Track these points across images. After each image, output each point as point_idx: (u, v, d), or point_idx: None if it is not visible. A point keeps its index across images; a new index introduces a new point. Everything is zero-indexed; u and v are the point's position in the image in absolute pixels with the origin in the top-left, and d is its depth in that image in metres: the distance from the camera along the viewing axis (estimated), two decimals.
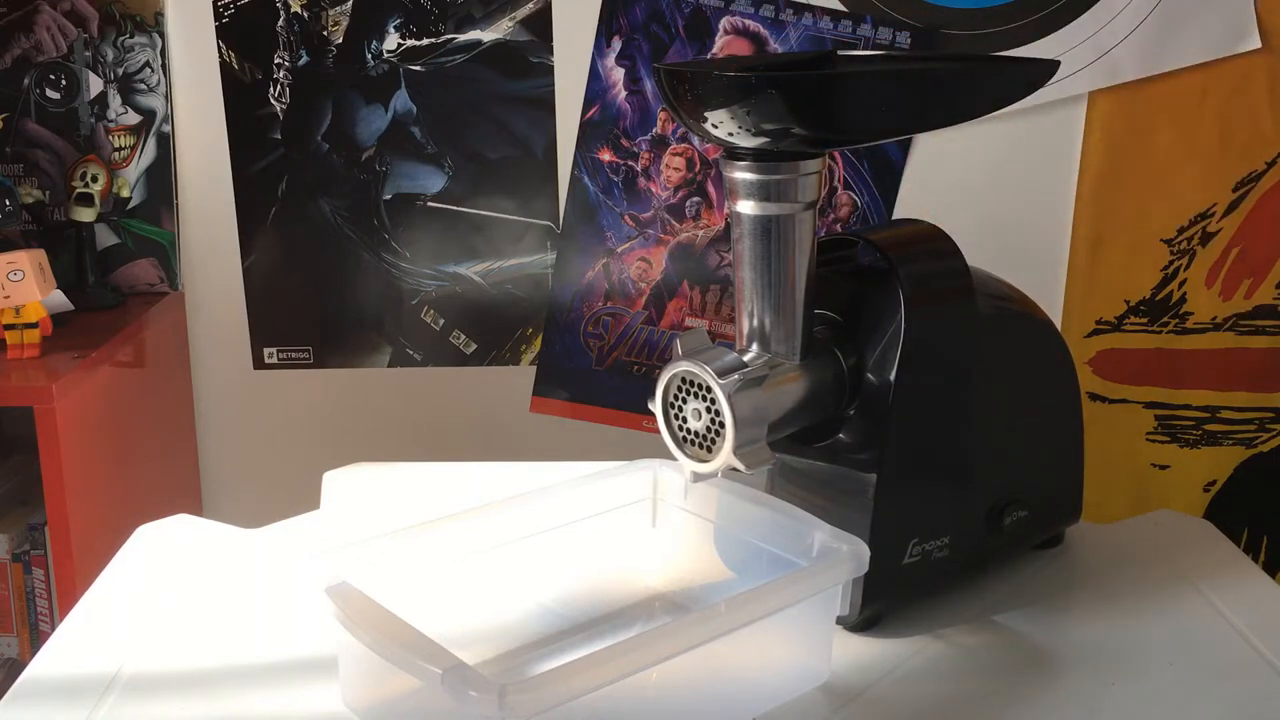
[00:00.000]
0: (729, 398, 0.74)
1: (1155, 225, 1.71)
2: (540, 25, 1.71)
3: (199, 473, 1.89)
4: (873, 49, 1.66)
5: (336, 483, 1.01)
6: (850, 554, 0.72)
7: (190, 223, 1.80)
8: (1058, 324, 1.25)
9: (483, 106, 1.74)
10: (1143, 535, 0.95)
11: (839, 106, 0.74)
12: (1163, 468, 1.80)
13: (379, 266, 1.80)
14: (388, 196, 1.78)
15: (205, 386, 1.87)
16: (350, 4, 1.72)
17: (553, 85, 1.73)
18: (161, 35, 1.74)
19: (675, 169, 1.73)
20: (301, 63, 1.74)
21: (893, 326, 0.79)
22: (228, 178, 1.78)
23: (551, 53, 1.72)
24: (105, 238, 1.79)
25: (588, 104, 1.72)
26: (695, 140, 1.71)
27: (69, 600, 1.42)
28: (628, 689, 0.63)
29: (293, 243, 1.80)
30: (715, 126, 0.74)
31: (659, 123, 1.72)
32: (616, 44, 1.70)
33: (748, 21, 1.67)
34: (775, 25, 1.67)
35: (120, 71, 1.75)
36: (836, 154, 1.69)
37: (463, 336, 1.83)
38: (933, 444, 0.82)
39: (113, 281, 1.79)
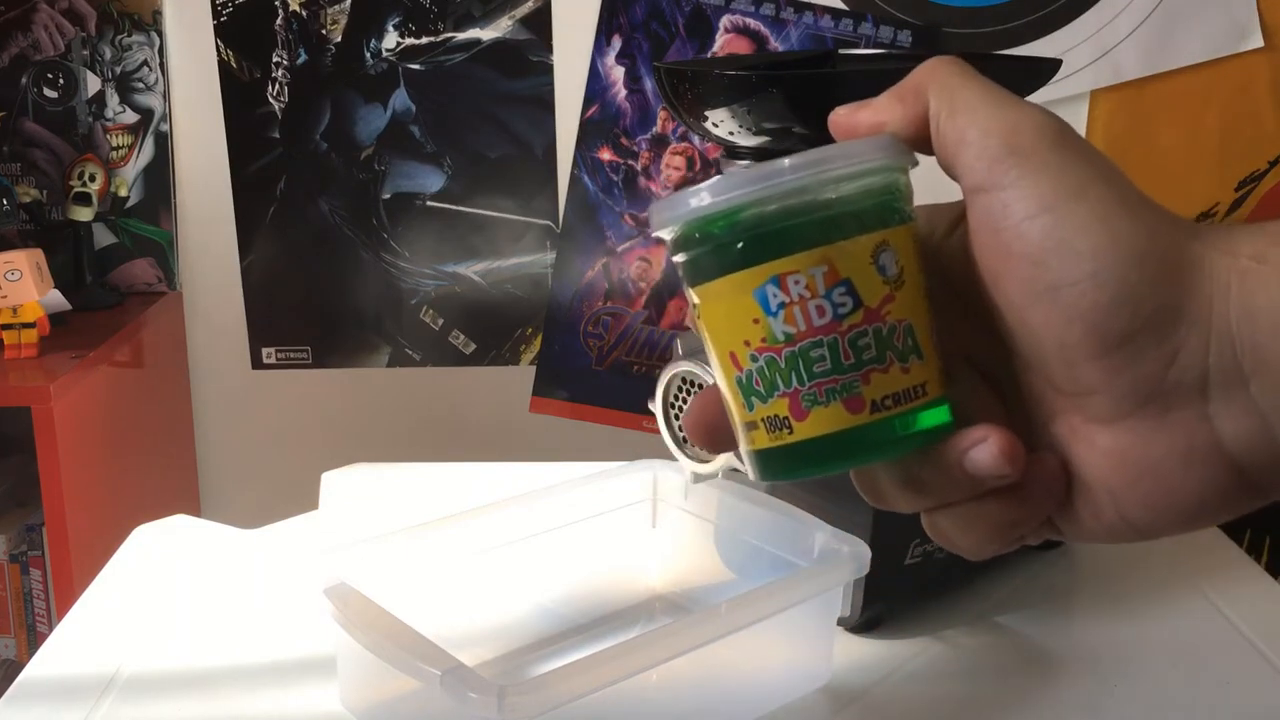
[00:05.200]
0: None
1: None
2: (540, 24, 1.71)
3: (197, 473, 1.89)
4: (874, 47, 1.66)
5: (335, 483, 1.01)
6: (851, 555, 0.72)
7: (188, 222, 1.80)
8: None
9: (482, 105, 1.74)
10: None
11: (840, 105, 0.74)
12: None
13: (378, 266, 1.80)
14: (387, 196, 1.78)
15: (203, 386, 1.87)
16: (349, 2, 1.71)
17: (552, 84, 1.73)
18: (159, 34, 1.73)
19: (675, 168, 1.73)
20: (300, 61, 1.73)
21: None
22: (226, 177, 1.78)
23: (551, 51, 1.71)
24: (103, 237, 1.79)
25: (587, 103, 1.72)
26: (695, 139, 1.71)
27: (66, 601, 1.42)
28: (628, 691, 0.63)
29: (291, 242, 1.80)
30: (715, 125, 0.73)
31: (659, 122, 1.72)
32: (616, 42, 1.70)
33: (748, 20, 1.67)
34: (776, 24, 1.67)
35: (118, 70, 1.74)
36: None
37: (462, 336, 1.82)
38: None
39: (110, 281, 1.79)
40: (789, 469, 0.37)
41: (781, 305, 0.35)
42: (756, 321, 0.35)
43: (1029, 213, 0.34)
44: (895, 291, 0.35)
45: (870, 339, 0.35)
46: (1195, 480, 0.34)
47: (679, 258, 0.37)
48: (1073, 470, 0.36)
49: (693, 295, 0.37)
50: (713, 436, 0.39)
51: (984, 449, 0.35)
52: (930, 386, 0.36)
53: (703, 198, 0.35)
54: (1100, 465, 0.36)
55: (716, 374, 0.37)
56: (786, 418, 0.35)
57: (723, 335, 0.36)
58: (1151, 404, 0.34)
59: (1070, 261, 0.34)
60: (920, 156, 0.39)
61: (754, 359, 0.36)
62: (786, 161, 0.35)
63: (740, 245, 0.35)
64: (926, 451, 0.36)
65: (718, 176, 0.36)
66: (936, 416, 0.36)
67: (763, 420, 0.36)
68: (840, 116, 0.39)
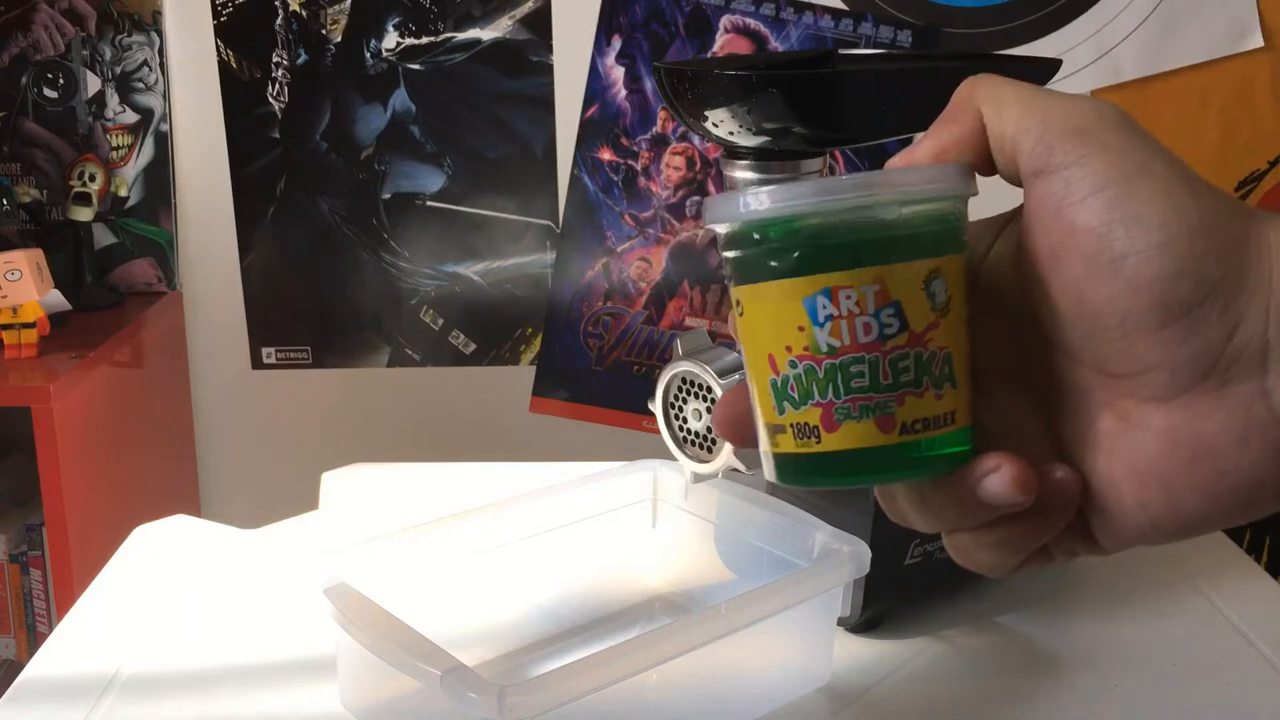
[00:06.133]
0: None
1: None
2: (540, 24, 1.71)
3: (197, 473, 1.89)
4: (873, 48, 1.65)
5: (335, 483, 1.01)
6: (851, 555, 0.72)
7: (188, 222, 1.80)
8: None
9: (482, 105, 1.74)
10: None
11: (840, 105, 0.74)
12: None
13: (378, 266, 1.80)
14: (387, 196, 1.78)
15: (203, 386, 1.87)
16: (349, 2, 1.71)
17: (552, 84, 1.72)
18: (159, 34, 1.73)
19: (675, 168, 1.73)
20: (300, 61, 1.73)
21: None
22: (226, 177, 1.78)
23: (551, 51, 1.71)
24: (103, 237, 1.79)
25: (587, 103, 1.72)
26: (695, 139, 1.71)
27: (66, 601, 1.42)
28: (628, 691, 0.63)
29: (291, 242, 1.80)
30: (715, 125, 0.73)
31: (659, 121, 1.72)
32: (616, 42, 1.70)
33: (748, 20, 1.67)
34: (776, 24, 1.67)
35: (118, 70, 1.74)
36: (837, 153, 1.69)
37: (462, 336, 1.82)
38: None
39: (110, 281, 1.79)
40: (809, 477, 0.37)
41: (829, 317, 0.35)
42: (801, 329, 0.36)
43: (1095, 187, 0.35)
44: (940, 319, 0.36)
45: (911, 362, 0.35)
46: (1251, 459, 0.35)
47: (729, 254, 0.37)
48: (1122, 464, 0.37)
49: (736, 293, 0.38)
50: (739, 431, 0.39)
51: (996, 478, 0.36)
52: (959, 415, 0.37)
53: (765, 201, 0.36)
54: (1154, 450, 0.36)
55: (749, 373, 0.38)
56: (817, 427, 0.36)
57: (764, 337, 0.37)
58: (1211, 377, 0.35)
59: (1136, 232, 0.34)
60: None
61: (793, 365, 0.36)
62: (851, 178, 0.36)
63: (798, 254, 0.36)
64: (942, 478, 0.37)
65: (781, 183, 0.36)
66: (958, 445, 0.37)
67: (791, 425, 0.37)
68: (897, 161, 0.40)
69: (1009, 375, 0.39)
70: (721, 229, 0.37)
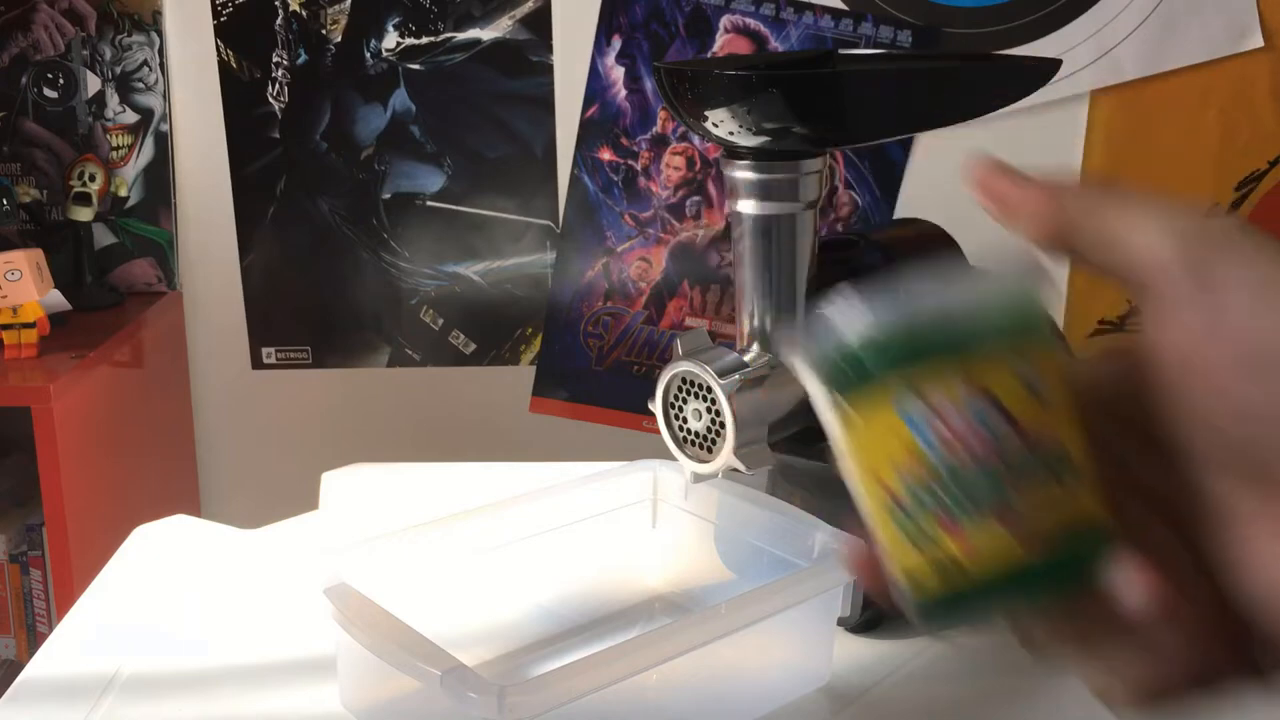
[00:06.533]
0: (729, 398, 0.74)
1: None
2: (540, 24, 1.71)
3: (197, 473, 1.89)
4: (874, 48, 1.65)
5: (335, 483, 1.01)
6: None
7: (188, 222, 1.80)
8: (1060, 324, 1.24)
9: (482, 105, 1.74)
10: None
11: (840, 105, 0.74)
12: None
13: (378, 266, 1.80)
14: (387, 196, 1.78)
15: (203, 386, 1.87)
16: (349, 2, 1.71)
17: (552, 84, 1.72)
18: (159, 34, 1.73)
19: (675, 168, 1.73)
20: (300, 61, 1.73)
21: None
22: (226, 177, 1.78)
23: (551, 51, 1.71)
24: (103, 237, 1.79)
25: (587, 103, 1.72)
26: (695, 139, 1.71)
27: (66, 601, 1.42)
28: (627, 691, 0.63)
29: (291, 242, 1.80)
30: (715, 125, 0.73)
31: (659, 121, 1.72)
32: (616, 42, 1.70)
33: (748, 20, 1.67)
34: (776, 24, 1.67)
35: (118, 70, 1.74)
36: (838, 153, 1.69)
37: (462, 336, 1.82)
38: None
39: (110, 281, 1.79)
40: (953, 609, 0.36)
41: (928, 423, 0.35)
42: (905, 444, 0.35)
43: (1252, 294, 0.34)
44: (1044, 410, 0.35)
45: (1023, 456, 0.35)
46: None
47: (817, 386, 0.37)
48: None
49: (836, 430, 0.37)
50: (875, 575, 0.38)
51: (1132, 582, 0.35)
52: (1088, 506, 0.35)
53: (850, 331, 0.36)
54: None
55: (867, 509, 0.37)
56: (947, 541, 0.35)
57: (871, 462, 0.36)
58: None
59: None
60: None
61: (905, 482, 0.35)
62: (929, 288, 0.36)
63: (887, 370, 0.35)
64: (1080, 584, 0.36)
65: (850, 305, 0.36)
66: (1096, 540, 0.35)
67: (919, 547, 0.36)
68: (986, 170, 0.40)
69: (1142, 505, 0.37)
70: (813, 376, 0.37)
